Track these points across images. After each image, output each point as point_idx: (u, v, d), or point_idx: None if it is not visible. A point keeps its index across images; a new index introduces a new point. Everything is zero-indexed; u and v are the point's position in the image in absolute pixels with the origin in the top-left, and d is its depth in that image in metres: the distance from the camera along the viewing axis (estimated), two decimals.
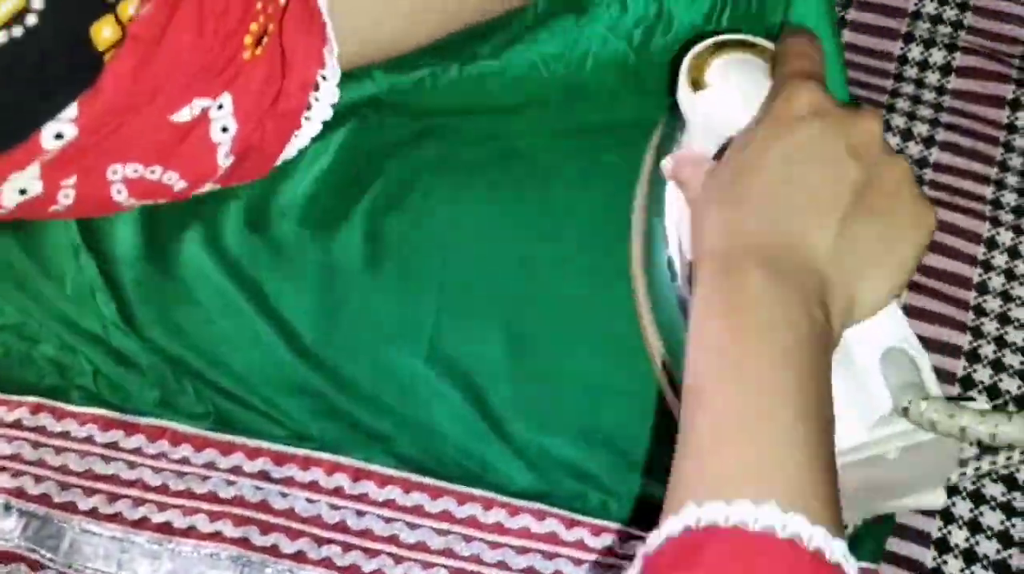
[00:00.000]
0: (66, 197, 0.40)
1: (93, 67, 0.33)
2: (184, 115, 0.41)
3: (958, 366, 0.61)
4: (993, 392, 0.60)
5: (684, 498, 0.30)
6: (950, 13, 0.76)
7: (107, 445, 0.56)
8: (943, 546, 0.56)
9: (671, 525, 0.30)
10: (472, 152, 0.63)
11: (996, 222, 0.66)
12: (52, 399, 0.57)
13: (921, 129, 0.71)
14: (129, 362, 0.58)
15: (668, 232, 0.51)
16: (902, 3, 0.76)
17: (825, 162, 0.38)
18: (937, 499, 0.51)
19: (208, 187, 0.47)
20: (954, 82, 0.73)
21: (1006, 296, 0.63)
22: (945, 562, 0.56)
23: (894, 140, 0.71)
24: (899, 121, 0.71)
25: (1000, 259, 0.65)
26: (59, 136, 0.35)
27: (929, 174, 0.69)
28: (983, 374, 0.60)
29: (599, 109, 0.63)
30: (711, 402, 0.34)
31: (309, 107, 0.46)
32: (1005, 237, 0.65)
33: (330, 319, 0.58)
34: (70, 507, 0.54)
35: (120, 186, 0.43)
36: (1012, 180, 0.68)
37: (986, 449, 0.51)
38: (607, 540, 0.53)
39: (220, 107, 0.42)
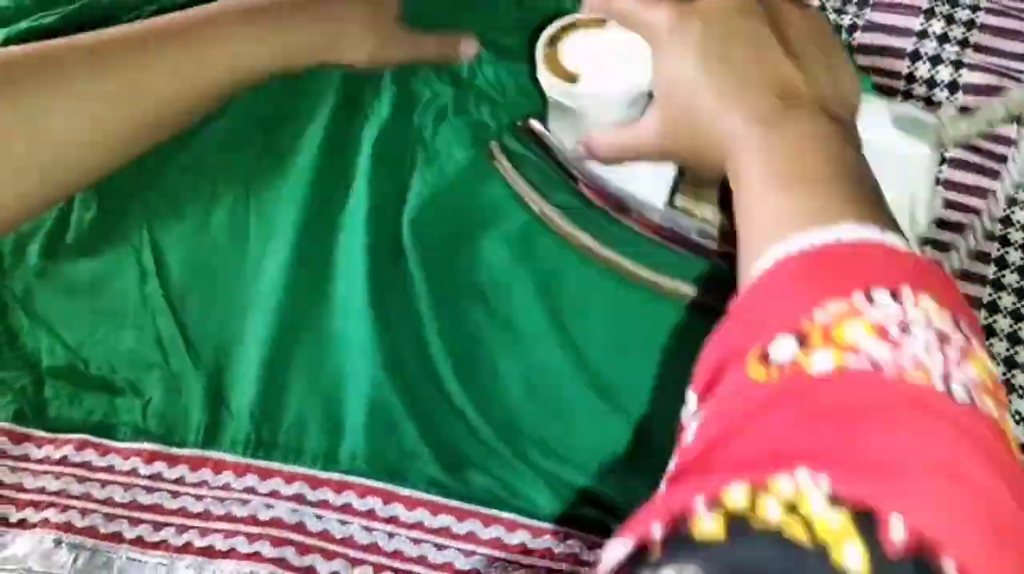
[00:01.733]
0: None
1: None
2: None
3: None
4: None
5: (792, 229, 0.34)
6: (956, 32, 0.78)
7: (151, 477, 0.59)
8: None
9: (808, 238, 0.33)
10: None
11: (1005, 241, 0.67)
12: (97, 436, 0.60)
13: None
14: (181, 389, 0.61)
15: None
16: (908, 23, 0.78)
17: (731, 29, 0.42)
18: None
19: None
20: (962, 99, 0.74)
21: (1016, 315, 0.65)
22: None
23: None
24: None
25: (1011, 278, 0.66)
26: None
27: (940, 191, 0.70)
28: None
29: None
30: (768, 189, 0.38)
31: None
32: (1015, 256, 0.66)
33: None
34: (116, 537, 0.57)
35: None
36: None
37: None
38: None
39: None
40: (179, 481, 0.59)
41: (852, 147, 0.39)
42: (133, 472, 0.59)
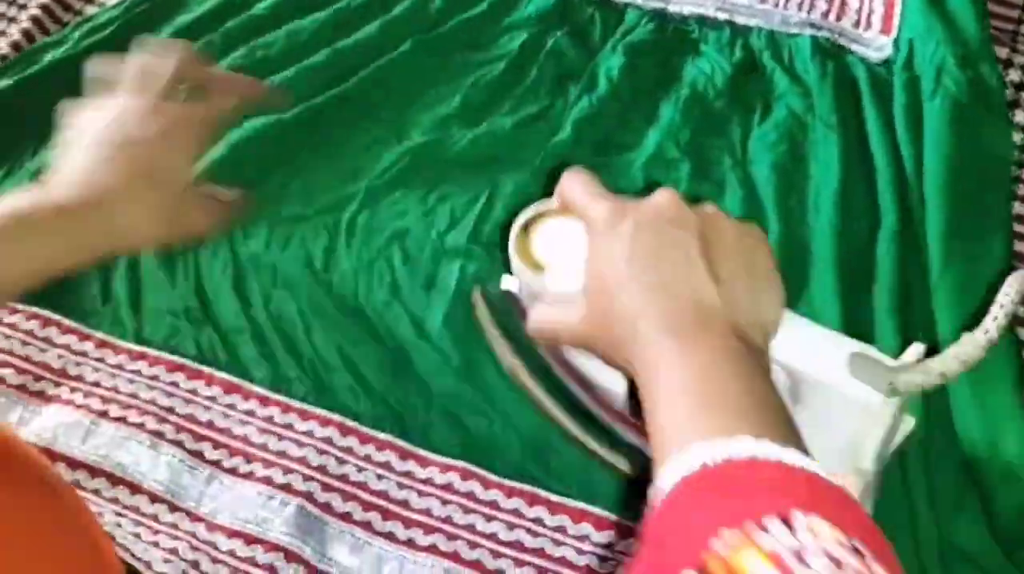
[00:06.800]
0: None
1: None
2: None
3: None
4: None
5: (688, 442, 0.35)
6: None
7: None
8: None
9: (694, 457, 0.34)
10: None
11: None
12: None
13: None
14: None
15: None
16: None
17: (661, 238, 0.42)
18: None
19: None
20: None
21: None
22: None
23: None
24: None
25: None
26: None
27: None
28: None
29: None
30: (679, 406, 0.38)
31: None
32: None
33: None
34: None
35: None
36: None
37: None
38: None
39: None
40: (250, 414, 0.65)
41: (758, 368, 0.40)
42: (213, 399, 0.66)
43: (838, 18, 0.82)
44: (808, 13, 0.83)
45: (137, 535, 0.60)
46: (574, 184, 0.46)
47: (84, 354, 0.68)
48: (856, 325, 0.63)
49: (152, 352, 0.68)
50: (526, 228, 0.51)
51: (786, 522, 0.30)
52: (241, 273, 0.71)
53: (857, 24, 0.82)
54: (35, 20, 0.88)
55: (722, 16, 0.83)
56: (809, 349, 0.48)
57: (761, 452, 0.34)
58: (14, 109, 0.80)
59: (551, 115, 0.78)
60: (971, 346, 0.44)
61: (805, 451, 0.35)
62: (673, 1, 0.85)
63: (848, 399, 0.47)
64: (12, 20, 0.88)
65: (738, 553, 0.30)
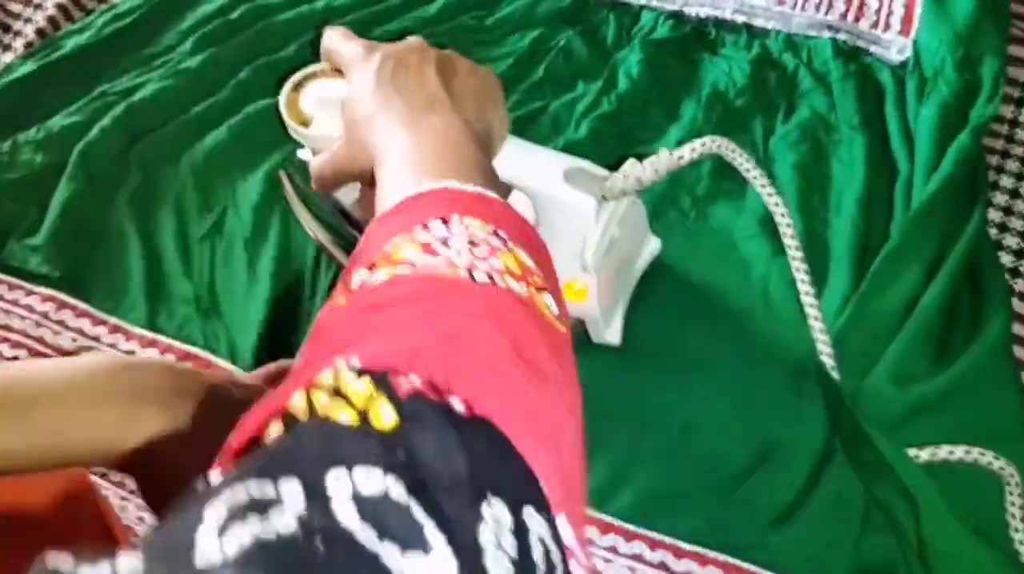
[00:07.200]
0: None
1: None
2: None
3: None
4: None
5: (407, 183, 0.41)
6: None
7: None
8: None
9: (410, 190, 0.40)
10: None
11: None
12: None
13: None
14: None
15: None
16: None
17: (404, 64, 0.48)
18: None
19: None
20: None
21: None
22: None
23: None
24: None
25: None
26: None
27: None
28: None
29: None
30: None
31: None
32: None
33: None
34: None
35: None
36: None
37: None
38: None
39: None
40: None
41: (472, 141, 0.45)
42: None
43: (856, 20, 0.82)
44: (826, 15, 0.82)
45: (141, 518, 0.61)
46: (332, 35, 0.51)
47: (97, 338, 0.69)
48: None
49: (163, 339, 0.69)
50: (297, 89, 0.56)
51: (445, 222, 0.37)
52: (253, 265, 0.71)
53: (875, 25, 0.81)
54: (60, 7, 0.89)
55: (739, 19, 0.83)
56: (533, 166, 0.55)
57: (441, 186, 0.39)
58: (38, 92, 0.81)
59: (556, 111, 0.79)
60: (664, 159, 0.55)
61: (492, 186, 0.41)
62: (690, 3, 0.85)
63: (567, 205, 0.55)
64: (38, 7, 0.89)
65: (398, 248, 0.36)
